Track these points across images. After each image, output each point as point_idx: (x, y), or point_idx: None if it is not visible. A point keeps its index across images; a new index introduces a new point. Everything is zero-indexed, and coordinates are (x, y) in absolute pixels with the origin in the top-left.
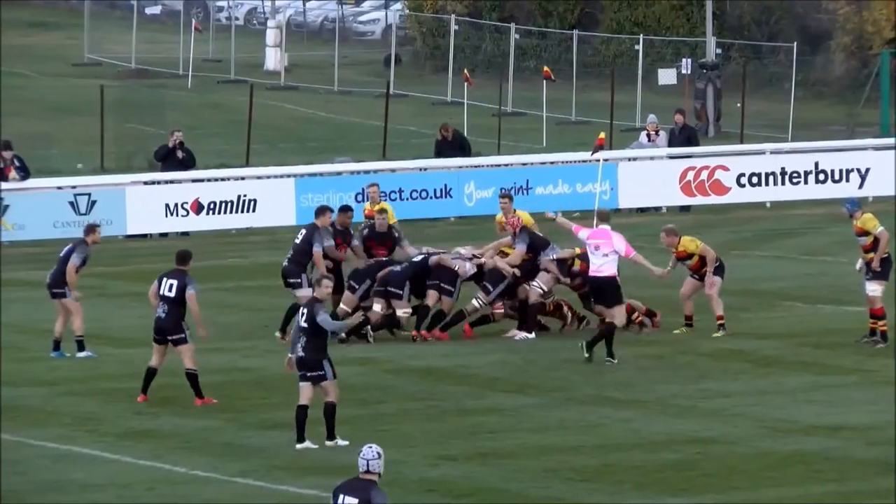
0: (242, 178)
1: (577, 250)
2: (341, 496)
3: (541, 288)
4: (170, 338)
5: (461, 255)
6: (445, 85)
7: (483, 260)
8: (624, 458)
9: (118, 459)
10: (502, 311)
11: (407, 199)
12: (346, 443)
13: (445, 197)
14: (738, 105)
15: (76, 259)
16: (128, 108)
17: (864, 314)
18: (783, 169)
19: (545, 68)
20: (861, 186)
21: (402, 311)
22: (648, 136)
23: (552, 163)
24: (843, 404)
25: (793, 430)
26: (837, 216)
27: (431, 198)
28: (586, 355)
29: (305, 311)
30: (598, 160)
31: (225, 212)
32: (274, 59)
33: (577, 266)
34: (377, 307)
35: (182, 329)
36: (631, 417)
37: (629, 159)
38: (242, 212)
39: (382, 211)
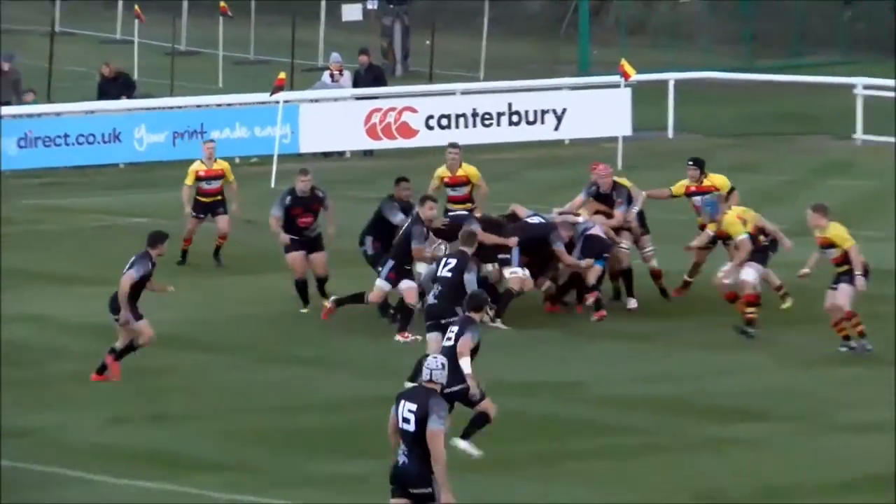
0: None
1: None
2: (402, 402)
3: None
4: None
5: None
6: (115, 21)
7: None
8: (313, 420)
9: None
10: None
11: (73, 144)
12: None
13: (114, 142)
14: (428, 43)
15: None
16: None
17: None
18: (475, 110)
19: (222, 3)
20: (557, 128)
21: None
22: (332, 75)
23: (229, 105)
24: None
25: None
26: (532, 161)
27: (99, 143)
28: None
29: (454, 261)
30: (278, 102)
31: None
32: None
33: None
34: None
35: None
36: (312, 375)
37: (311, 101)
38: None
39: (304, 171)
